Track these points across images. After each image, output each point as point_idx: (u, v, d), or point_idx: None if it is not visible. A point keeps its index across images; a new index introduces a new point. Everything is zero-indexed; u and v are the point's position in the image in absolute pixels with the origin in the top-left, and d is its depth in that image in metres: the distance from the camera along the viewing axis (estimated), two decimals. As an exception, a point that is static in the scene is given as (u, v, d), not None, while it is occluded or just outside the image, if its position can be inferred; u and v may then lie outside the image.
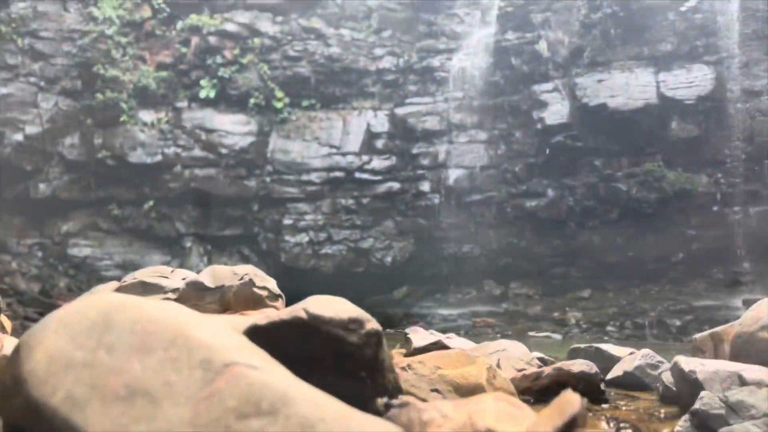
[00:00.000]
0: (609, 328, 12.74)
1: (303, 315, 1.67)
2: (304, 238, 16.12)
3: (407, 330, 4.46)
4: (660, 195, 14.36)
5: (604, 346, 3.67)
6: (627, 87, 14.42)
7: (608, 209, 14.94)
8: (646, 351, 3.34)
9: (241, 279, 4.03)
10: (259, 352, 1.30)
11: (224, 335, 1.27)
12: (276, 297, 4.13)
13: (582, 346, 3.79)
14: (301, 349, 1.69)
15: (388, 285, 16.22)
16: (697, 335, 3.97)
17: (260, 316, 1.76)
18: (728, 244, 14.09)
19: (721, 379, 2.38)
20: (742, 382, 2.33)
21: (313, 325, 1.66)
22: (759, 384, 2.31)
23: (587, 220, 15.18)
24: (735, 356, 3.18)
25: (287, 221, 16.22)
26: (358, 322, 1.69)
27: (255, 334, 1.71)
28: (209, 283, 4.11)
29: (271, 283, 4.13)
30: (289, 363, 1.73)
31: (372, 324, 1.71)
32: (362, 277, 16.03)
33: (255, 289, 3.99)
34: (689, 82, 14.15)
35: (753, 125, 14.04)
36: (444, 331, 12.99)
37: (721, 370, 2.43)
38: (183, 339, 1.20)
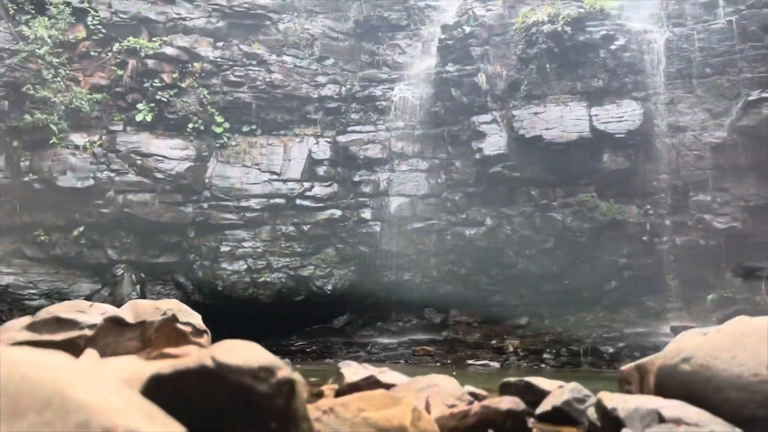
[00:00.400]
0: (545, 355, 12.94)
1: (209, 363, 1.57)
2: (242, 265, 15.78)
3: (340, 364, 4.36)
4: (593, 225, 14.82)
5: (535, 380, 3.67)
6: (562, 120, 14.91)
7: (544, 238, 15.29)
8: (573, 385, 3.35)
9: (163, 314, 3.86)
10: (150, 411, 1.20)
11: (109, 393, 1.17)
12: (200, 333, 3.97)
13: (513, 380, 3.78)
14: (208, 398, 1.60)
15: (329, 313, 16.03)
16: (624, 367, 4.03)
17: (164, 364, 1.65)
18: (658, 272, 14.63)
19: (641, 416, 2.40)
20: (661, 419, 2.35)
21: (220, 374, 1.56)
22: (677, 421, 2.34)
23: (524, 249, 15.48)
24: (659, 389, 3.23)
25: (225, 248, 15.87)
26: (269, 371, 1.60)
27: (158, 383, 1.60)
28: (129, 318, 3.92)
29: (196, 319, 3.97)
30: (194, 414, 1.63)
31: (284, 372, 1.63)
32: (302, 305, 15.80)
33: (178, 325, 3.83)
34: (619, 116, 14.75)
35: (678, 159, 14.73)
36: (384, 360, 12.92)
37: (641, 407, 2.45)
38: (60, 400, 1.09)
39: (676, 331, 11.36)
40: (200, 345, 3.64)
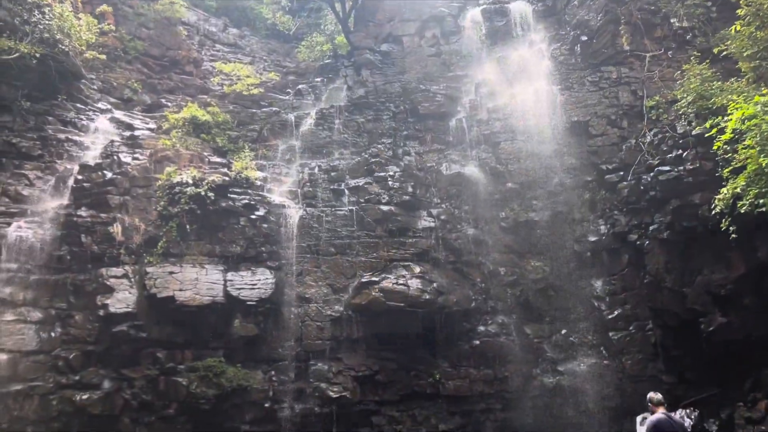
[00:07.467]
0: None
1: None
2: None
3: None
4: (218, 391, 14.53)
5: None
6: (197, 282, 14.77)
7: (166, 404, 14.41)
8: None
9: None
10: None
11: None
12: None
13: None
14: None
15: None
16: None
17: None
18: (279, 440, 14.88)
19: None
20: None
21: None
22: None
23: (144, 416, 14.32)
24: None
25: None
26: None
27: None
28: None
29: None
30: None
31: None
32: None
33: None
34: (253, 283, 15.27)
35: (302, 328, 15.71)
36: None
37: None
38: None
39: None
40: None
